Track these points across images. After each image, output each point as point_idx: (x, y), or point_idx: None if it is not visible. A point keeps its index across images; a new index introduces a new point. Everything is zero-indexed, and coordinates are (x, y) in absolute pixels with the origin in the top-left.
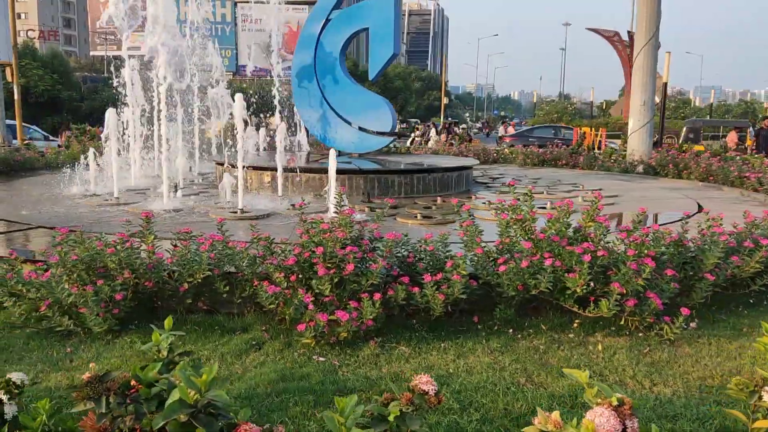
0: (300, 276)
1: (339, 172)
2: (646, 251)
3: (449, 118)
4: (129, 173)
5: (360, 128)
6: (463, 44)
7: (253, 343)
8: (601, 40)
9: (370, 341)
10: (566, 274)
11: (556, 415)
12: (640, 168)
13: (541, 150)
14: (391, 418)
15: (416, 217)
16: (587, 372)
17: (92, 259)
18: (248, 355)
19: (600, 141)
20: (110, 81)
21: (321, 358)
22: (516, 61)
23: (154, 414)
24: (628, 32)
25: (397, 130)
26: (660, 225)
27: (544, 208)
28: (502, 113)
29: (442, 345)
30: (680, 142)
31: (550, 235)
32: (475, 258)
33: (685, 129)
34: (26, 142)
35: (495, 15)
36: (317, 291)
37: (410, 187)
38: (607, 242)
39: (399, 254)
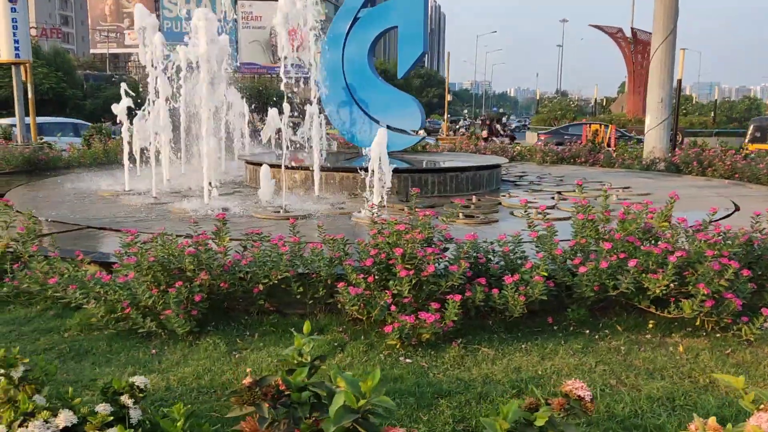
0: (377, 277)
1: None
2: (721, 251)
3: (483, 115)
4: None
5: (388, 127)
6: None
7: (335, 344)
8: (598, 37)
9: (452, 343)
10: (644, 275)
11: (713, 421)
12: (661, 165)
13: (559, 148)
14: (540, 423)
15: (459, 216)
16: (742, 377)
17: (168, 261)
18: (333, 358)
19: (610, 138)
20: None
21: (408, 360)
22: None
23: (308, 419)
24: (632, 29)
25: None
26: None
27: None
28: (501, 110)
29: (523, 346)
30: (746, 141)
31: (625, 236)
32: (550, 258)
33: (751, 127)
34: (43, 141)
35: (492, 12)
36: (395, 292)
37: (444, 186)
38: (676, 242)
39: (469, 255)
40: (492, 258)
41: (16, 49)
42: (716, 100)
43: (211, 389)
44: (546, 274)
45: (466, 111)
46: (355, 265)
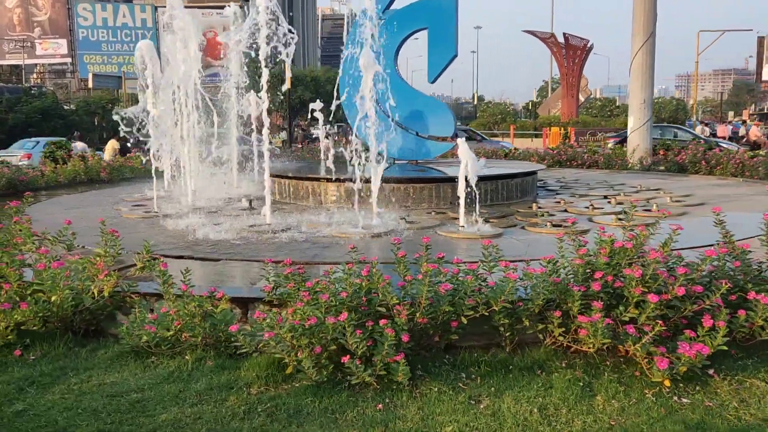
0: (607, 303)
1: (421, 180)
2: None
3: None
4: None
5: (417, 134)
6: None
7: (581, 385)
8: (513, 43)
9: (709, 372)
10: None
11: None
12: (661, 166)
13: (554, 151)
14: None
15: (546, 226)
16: None
17: (357, 295)
18: (588, 402)
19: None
20: (32, 91)
21: (684, 400)
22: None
23: None
24: (564, 34)
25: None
26: None
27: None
28: None
29: None
30: None
31: None
32: None
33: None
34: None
35: None
36: (625, 319)
37: (496, 194)
38: None
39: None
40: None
41: None
42: (644, 101)
43: None
44: None
45: None
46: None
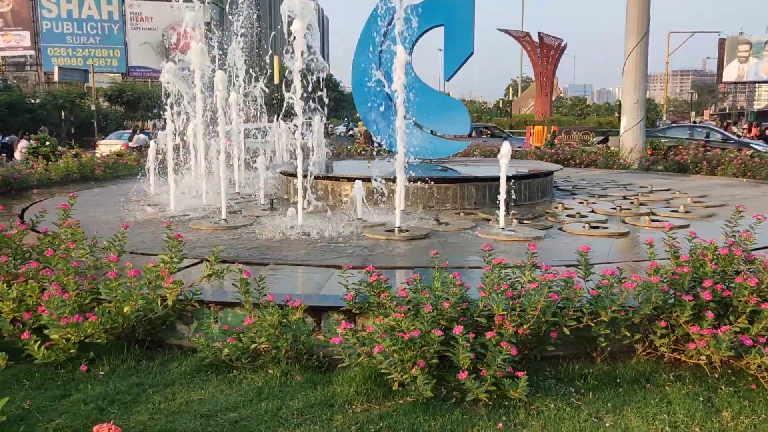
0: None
1: (447, 180)
2: None
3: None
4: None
5: (432, 132)
6: (345, 46)
7: (701, 400)
8: (480, 41)
9: None
10: None
11: None
12: (659, 166)
13: (552, 150)
14: None
15: (584, 227)
16: None
17: (459, 305)
18: (716, 419)
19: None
20: None
21: None
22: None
23: None
24: (539, 33)
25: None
26: None
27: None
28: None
29: None
30: None
31: None
32: None
33: None
34: None
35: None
36: (736, 330)
37: (519, 194)
38: None
39: None
40: None
41: None
42: (619, 101)
43: None
44: None
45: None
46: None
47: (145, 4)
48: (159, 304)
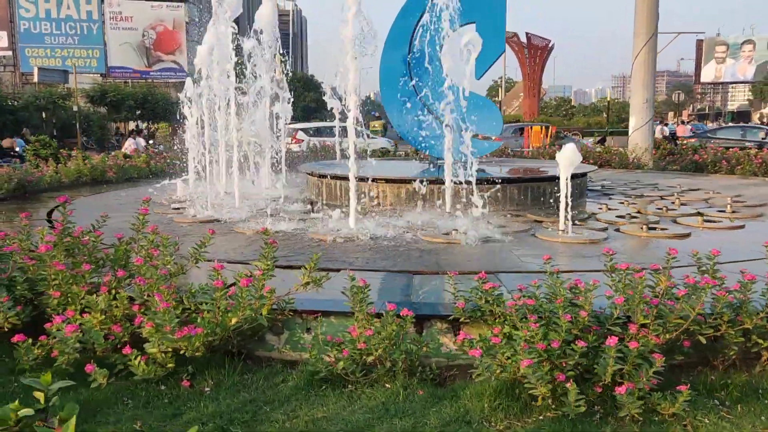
0: None
1: (484, 182)
2: None
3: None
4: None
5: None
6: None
7: None
8: None
9: None
10: None
11: None
12: (675, 166)
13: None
14: None
15: (642, 228)
16: None
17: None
18: None
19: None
20: None
21: None
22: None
23: None
24: (526, 34)
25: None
26: None
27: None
28: (377, 114)
29: None
30: None
31: None
32: None
33: None
34: None
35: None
36: None
37: (558, 195)
38: None
39: None
40: None
41: None
42: (608, 102)
43: None
44: None
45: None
46: None
47: (125, 4)
48: (263, 314)
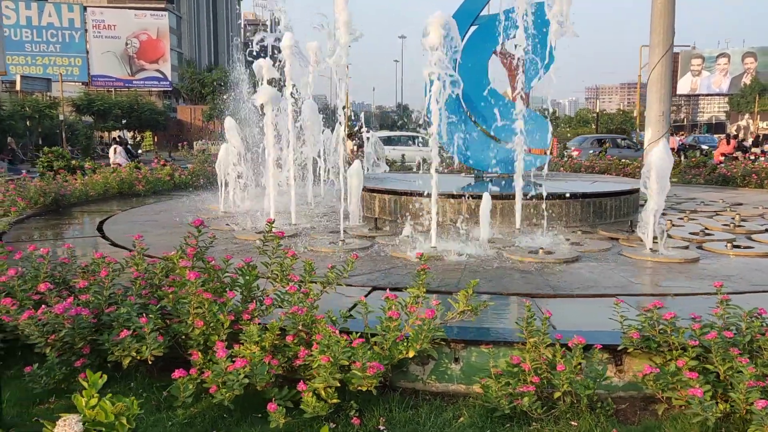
0: None
1: (553, 197)
2: None
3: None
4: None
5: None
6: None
7: None
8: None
9: None
10: None
11: None
12: (700, 179)
13: (587, 163)
14: None
15: (726, 246)
16: None
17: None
18: None
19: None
20: None
21: None
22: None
23: None
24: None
25: None
26: None
27: None
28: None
29: None
30: None
31: None
32: None
33: None
34: None
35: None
36: None
37: (619, 211)
38: None
39: None
40: None
41: None
42: (597, 113)
43: None
44: None
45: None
46: None
47: (108, 12)
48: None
